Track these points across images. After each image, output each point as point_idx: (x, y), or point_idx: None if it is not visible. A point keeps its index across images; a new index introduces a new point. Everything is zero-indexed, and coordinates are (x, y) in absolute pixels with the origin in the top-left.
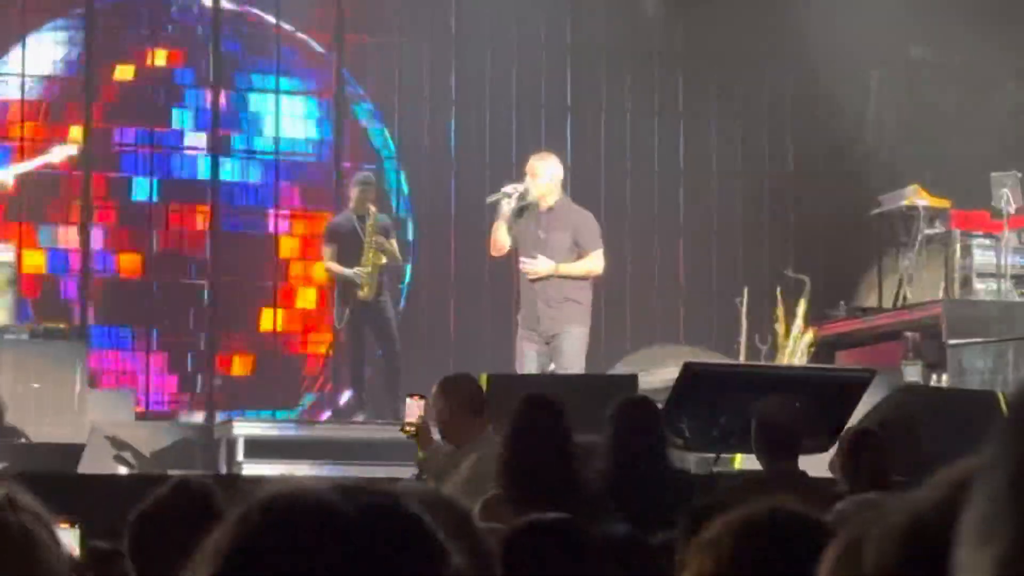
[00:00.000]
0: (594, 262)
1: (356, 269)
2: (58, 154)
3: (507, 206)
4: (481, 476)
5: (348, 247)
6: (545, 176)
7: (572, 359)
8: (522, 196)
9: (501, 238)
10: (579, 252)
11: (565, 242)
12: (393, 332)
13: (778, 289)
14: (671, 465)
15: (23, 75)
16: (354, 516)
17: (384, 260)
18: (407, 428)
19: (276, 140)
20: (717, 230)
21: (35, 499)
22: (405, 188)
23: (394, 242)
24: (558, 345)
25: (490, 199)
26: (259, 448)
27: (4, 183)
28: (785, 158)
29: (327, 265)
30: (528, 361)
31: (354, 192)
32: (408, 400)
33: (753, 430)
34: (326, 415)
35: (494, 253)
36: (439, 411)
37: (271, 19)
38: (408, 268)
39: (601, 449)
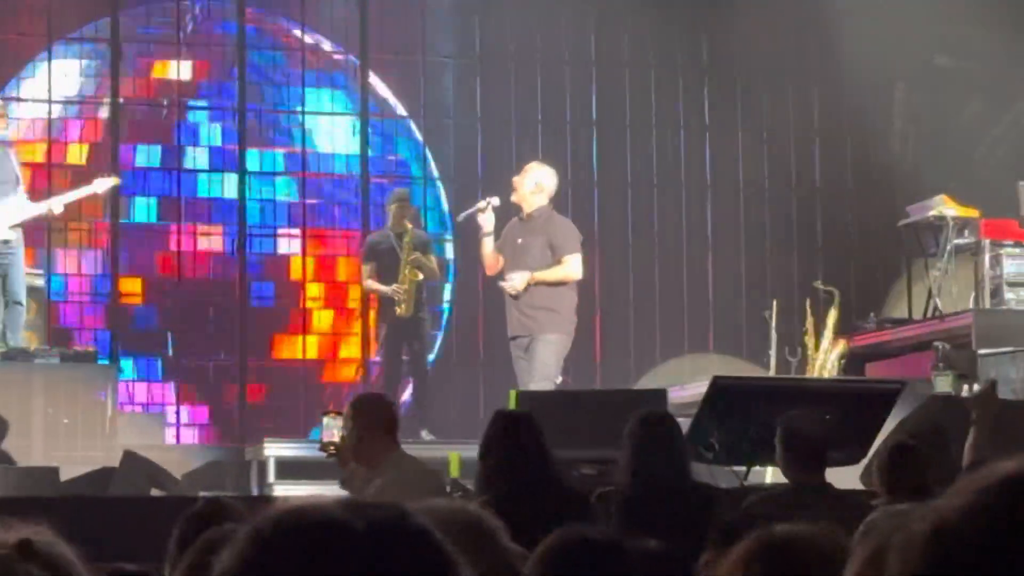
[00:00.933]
0: (570, 267)
1: (393, 286)
2: (101, 185)
3: (486, 222)
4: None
5: (387, 264)
6: (530, 182)
7: (541, 366)
8: (493, 208)
9: (490, 256)
10: (555, 258)
11: (541, 248)
12: (426, 351)
13: (807, 301)
14: (691, 480)
15: (49, 99)
16: (362, 531)
17: (421, 277)
18: (327, 447)
19: (303, 157)
20: (745, 243)
21: (60, 541)
22: (444, 205)
23: (432, 258)
24: (532, 351)
25: (460, 217)
26: (290, 469)
27: (52, 212)
28: (812, 170)
29: (365, 283)
30: (521, 373)
31: (391, 209)
32: (325, 419)
33: (778, 444)
34: None
35: (489, 273)
36: (349, 432)
37: (297, 33)
38: (449, 286)
39: (621, 464)
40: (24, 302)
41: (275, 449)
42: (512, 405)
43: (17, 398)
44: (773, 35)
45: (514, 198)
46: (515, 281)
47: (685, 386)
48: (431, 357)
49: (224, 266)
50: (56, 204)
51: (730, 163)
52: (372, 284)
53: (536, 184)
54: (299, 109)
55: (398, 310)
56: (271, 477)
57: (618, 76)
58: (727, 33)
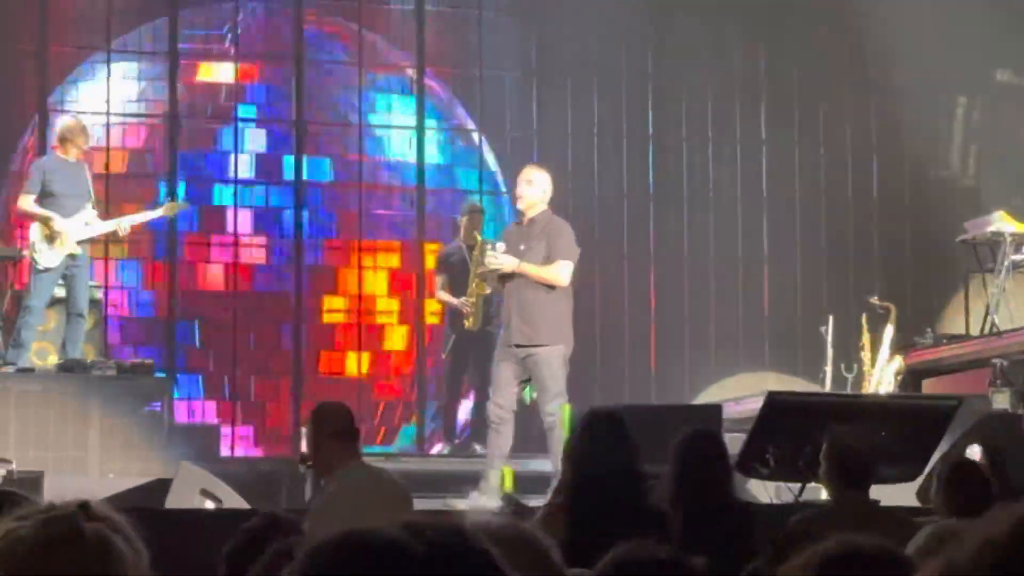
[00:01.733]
0: (558, 270)
1: (462, 299)
2: (171, 210)
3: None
4: (332, 511)
5: (458, 276)
6: (539, 189)
7: (554, 382)
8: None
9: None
10: (550, 260)
11: (541, 253)
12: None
13: (863, 317)
14: (735, 497)
15: (108, 112)
16: (422, 553)
17: (489, 290)
18: (304, 459)
19: (359, 166)
20: (801, 258)
21: (114, 511)
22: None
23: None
24: (536, 371)
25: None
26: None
27: (120, 231)
28: (869, 185)
29: (437, 295)
30: (503, 382)
31: (463, 221)
32: (304, 429)
33: (823, 460)
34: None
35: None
36: (308, 440)
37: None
38: None
39: (665, 480)
40: (86, 315)
41: (402, 463)
42: (566, 420)
43: (74, 410)
44: (831, 48)
45: (521, 205)
46: (503, 259)
47: (740, 401)
48: None
49: (270, 278)
50: (125, 225)
51: (787, 177)
52: (443, 296)
53: (543, 190)
54: (357, 120)
55: (466, 323)
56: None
57: (675, 90)
58: (785, 46)
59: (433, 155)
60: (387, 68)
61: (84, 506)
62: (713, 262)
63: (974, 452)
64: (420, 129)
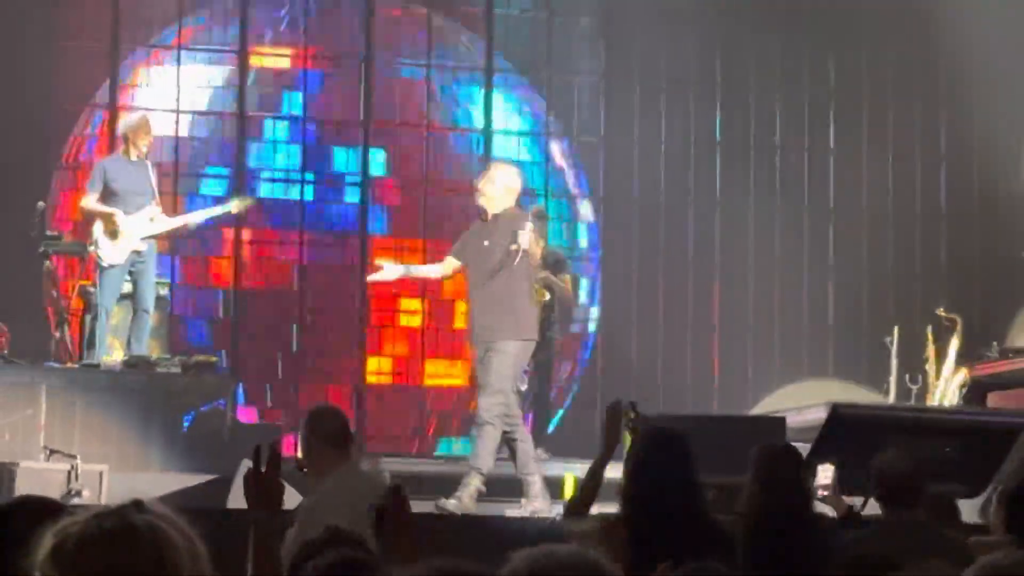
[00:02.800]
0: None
1: None
2: (238, 206)
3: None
4: (320, 510)
5: None
6: (500, 185)
7: (495, 378)
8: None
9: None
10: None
11: (505, 247)
12: (551, 373)
13: (929, 329)
14: (810, 513)
15: (177, 109)
16: None
17: (548, 296)
18: (300, 463)
19: (424, 163)
20: (868, 268)
21: (169, 510)
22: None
23: (566, 278)
24: (487, 361)
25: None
26: (405, 485)
27: (188, 227)
28: (937, 196)
29: None
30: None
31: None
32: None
33: (872, 480)
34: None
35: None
36: (302, 444)
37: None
38: (596, 309)
39: (743, 495)
40: (151, 311)
41: (393, 464)
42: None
43: (138, 406)
44: (901, 57)
45: (481, 202)
46: (524, 238)
47: (802, 411)
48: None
49: (334, 277)
50: (192, 220)
51: (854, 186)
52: None
53: (505, 187)
54: (422, 117)
55: None
56: None
57: (743, 98)
58: (854, 54)
59: (500, 154)
60: (456, 67)
61: (137, 504)
62: (778, 270)
63: None
64: (487, 131)
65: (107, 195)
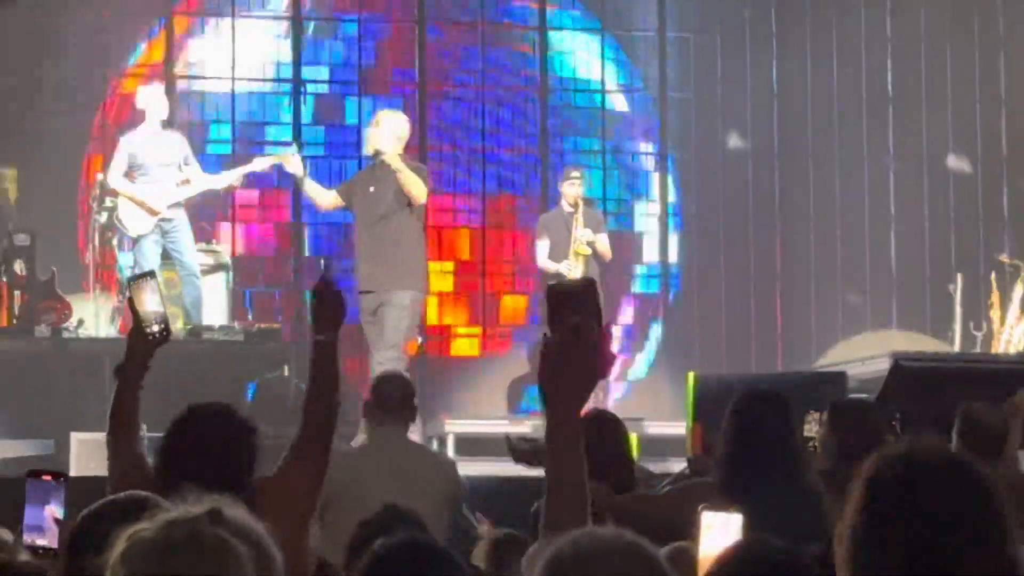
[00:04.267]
0: (421, 185)
1: (564, 262)
2: (281, 157)
3: (296, 168)
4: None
5: (559, 241)
6: (388, 132)
7: (391, 332)
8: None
9: (320, 195)
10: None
11: (392, 192)
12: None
13: (993, 275)
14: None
15: (232, 77)
16: None
17: (589, 252)
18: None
19: (482, 134)
20: (929, 216)
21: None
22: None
23: (604, 236)
24: (381, 315)
25: (263, 166)
26: (470, 446)
27: (232, 185)
28: (998, 140)
29: (538, 261)
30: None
31: (563, 186)
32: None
33: (955, 434)
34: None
35: (322, 208)
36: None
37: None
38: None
39: (822, 446)
40: (199, 275)
41: (456, 426)
42: (690, 389)
43: (200, 374)
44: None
45: (368, 149)
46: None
47: (866, 362)
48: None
49: None
50: (235, 176)
51: (914, 132)
52: (543, 262)
53: (392, 134)
54: (477, 81)
55: None
56: (451, 454)
57: (799, 47)
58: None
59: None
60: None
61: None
62: (839, 220)
63: None
64: (543, 93)
65: (133, 168)
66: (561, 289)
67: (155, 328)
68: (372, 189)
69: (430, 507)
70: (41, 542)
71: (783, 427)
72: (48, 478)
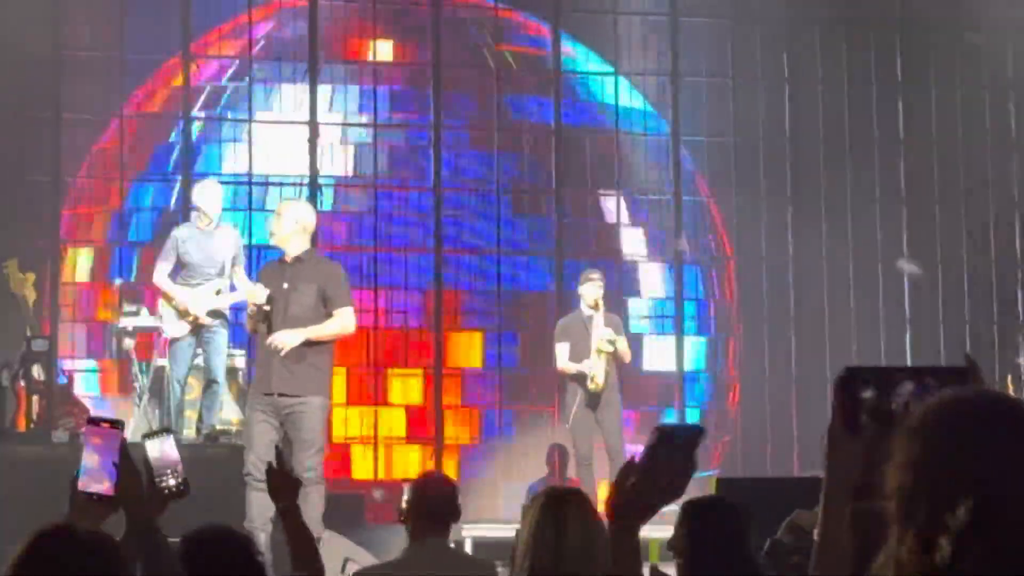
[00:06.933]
0: (345, 320)
1: (585, 362)
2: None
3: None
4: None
5: (579, 344)
6: (290, 222)
7: (311, 434)
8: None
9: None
10: (327, 310)
11: (312, 296)
12: (617, 426)
13: (1008, 378)
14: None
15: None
16: None
17: (612, 350)
18: (402, 515)
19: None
20: (943, 319)
21: None
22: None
23: (623, 339)
24: (296, 421)
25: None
26: (487, 551)
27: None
28: (1014, 238)
29: (558, 363)
30: (258, 435)
31: (583, 288)
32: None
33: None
34: None
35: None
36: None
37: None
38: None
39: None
40: (222, 382)
41: (472, 531)
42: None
43: (219, 478)
44: None
45: (273, 241)
46: (286, 338)
47: None
48: None
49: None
50: (261, 294)
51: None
52: (565, 363)
53: (296, 223)
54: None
55: (590, 385)
56: None
57: (811, 84)
58: None
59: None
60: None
61: None
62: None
63: None
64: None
65: (180, 266)
66: (670, 431)
67: (171, 482)
68: (287, 286)
69: None
70: (96, 488)
71: (733, 537)
72: (106, 426)
